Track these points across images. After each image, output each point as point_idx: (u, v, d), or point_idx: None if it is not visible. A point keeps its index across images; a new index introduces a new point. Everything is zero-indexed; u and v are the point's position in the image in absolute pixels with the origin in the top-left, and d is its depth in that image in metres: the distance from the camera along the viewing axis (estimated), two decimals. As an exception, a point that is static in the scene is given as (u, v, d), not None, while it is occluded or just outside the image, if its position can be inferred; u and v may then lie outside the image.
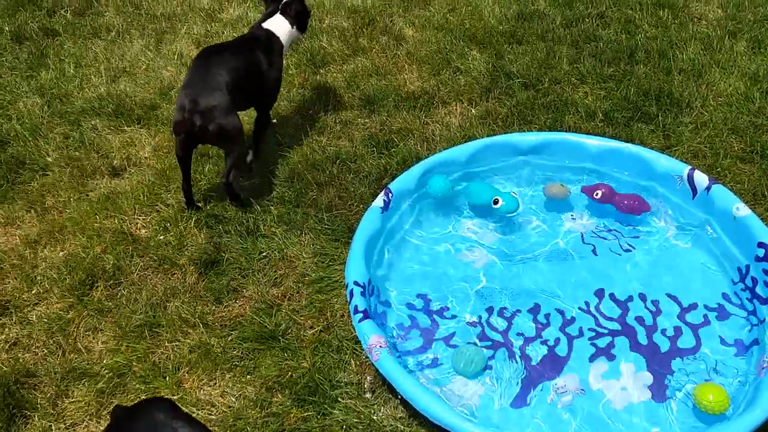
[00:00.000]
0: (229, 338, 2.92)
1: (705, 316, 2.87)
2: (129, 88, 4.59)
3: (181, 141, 3.31)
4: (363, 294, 2.75)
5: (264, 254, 3.32)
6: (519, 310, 2.96)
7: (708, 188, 3.12)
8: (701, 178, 3.16)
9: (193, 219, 3.51)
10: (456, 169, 3.47)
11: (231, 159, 3.40)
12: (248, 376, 2.78)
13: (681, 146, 3.83)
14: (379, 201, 3.20)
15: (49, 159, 3.95)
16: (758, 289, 2.82)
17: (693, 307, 2.91)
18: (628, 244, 3.23)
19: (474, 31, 4.97)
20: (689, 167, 3.22)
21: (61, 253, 3.38)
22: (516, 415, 2.57)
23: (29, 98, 4.48)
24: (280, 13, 3.76)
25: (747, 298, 2.87)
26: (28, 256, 3.37)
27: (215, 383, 2.76)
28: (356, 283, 2.78)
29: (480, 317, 2.94)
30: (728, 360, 2.69)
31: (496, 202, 3.26)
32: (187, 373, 2.80)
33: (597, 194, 3.35)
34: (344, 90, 4.46)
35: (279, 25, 3.73)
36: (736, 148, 3.82)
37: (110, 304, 3.13)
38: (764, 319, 2.73)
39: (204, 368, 2.81)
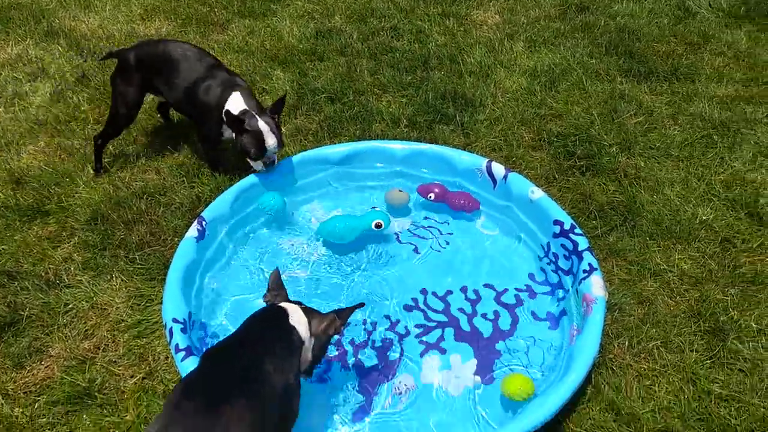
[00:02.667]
0: (36, 405, 2.61)
1: (517, 296, 3.06)
2: None
3: None
4: (184, 330, 2.59)
5: (70, 306, 3.03)
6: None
7: (505, 177, 3.34)
8: (498, 169, 3.38)
9: (-19, 281, 3.12)
10: (270, 188, 3.41)
11: None
12: (64, 443, 2.51)
13: (479, 141, 4.09)
14: (192, 231, 3.05)
15: None
16: (560, 263, 3.06)
17: (506, 290, 3.09)
18: (446, 241, 3.36)
19: (275, 52, 4.97)
20: (487, 160, 3.43)
21: None
22: (360, 428, 2.56)
23: None
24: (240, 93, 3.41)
25: (552, 271, 3.10)
26: None
27: (24, 458, 2.45)
28: (175, 320, 2.62)
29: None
30: (543, 334, 2.88)
31: (378, 225, 3.24)
32: (-11, 454, 2.46)
33: (430, 197, 3.45)
34: (146, 121, 4.23)
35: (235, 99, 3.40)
36: (527, 138, 4.16)
37: None
38: (569, 290, 2.97)
39: (9, 444, 2.49)
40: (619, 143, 4.08)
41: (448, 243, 3.35)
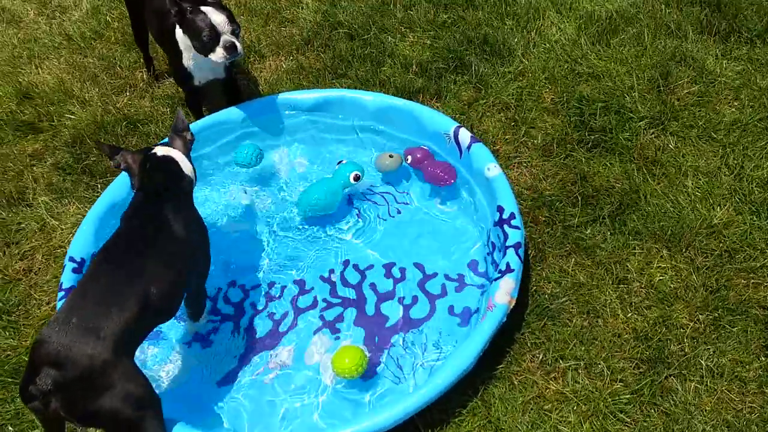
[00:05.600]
0: (-48, 317, 2.84)
1: (443, 286, 2.77)
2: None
3: None
4: (76, 270, 2.64)
5: (22, 225, 3.20)
6: (258, 284, 2.86)
7: (469, 147, 2.97)
8: (465, 136, 3.00)
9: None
10: (232, 129, 3.30)
11: None
12: (-35, 358, 2.71)
13: (489, 98, 3.67)
14: (130, 167, 3.04)
15: None
16: (495, 255, 2.71)
17: (435, 275, 2.81)
18: (397, 210, 3.10)
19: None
20: (456, 125, 3.06)
21: None
22: (219, 393, 2.51)
23: None
24: None
25: (490, 263, 2.77)
26: None
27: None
28: (71, 259, 2.67)
29: (220, 289, 2.85)
30: (452, 330, 2.61)
31: (357, 177, 3.03)
32: None
33: (407, 159, 3.14)
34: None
35: None
36: (547, 100, 3.66)
37: None
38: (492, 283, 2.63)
39: None
40: (652, 116, 3.46)
41: (399, 212, 3.09)
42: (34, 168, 3.49)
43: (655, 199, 3.07)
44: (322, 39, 4.17)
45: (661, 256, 2.85)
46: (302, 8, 4.45)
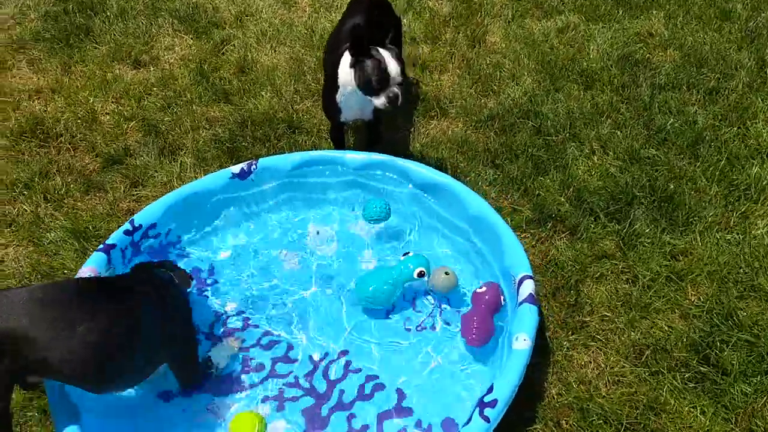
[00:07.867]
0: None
1: (405, 430, 2.48)
2: (221, 4, 5.09)
3: None
4: (128, 233, 2.92)
5: (156, 173, 3.65)
6: (258, 325, 2.88)
7: (520, 303, 2.59)
8: (525, 290, 2.59)
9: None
10: (341, 172, 3.33)
11: None
12: None
13: (623, 262, 3.15)
14: (236, 168, 3.25)
15: (108, 37, 4.71)
16: (467, 431, 2.34)
17: (405, 413, 2.53)
18: (430, 326, 2.86)
19: (558, 59, 4.41)
20: (526, 273, 2.67)
21: None
22: (150, 404, 2.61)
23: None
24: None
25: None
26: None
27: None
28: (131, 222, 2.94)
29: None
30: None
31: (421, 274, 2.86)
32: None
33: (477, 289, 2.83)
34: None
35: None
36: (690, 298, 3.00)
37: None
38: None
39: None
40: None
41: (423, 329, 2.85)
42: (201, 131, 3.91)
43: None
44: (507, 121, 3.95)
45: None
46: (517, 84, 4.25)
